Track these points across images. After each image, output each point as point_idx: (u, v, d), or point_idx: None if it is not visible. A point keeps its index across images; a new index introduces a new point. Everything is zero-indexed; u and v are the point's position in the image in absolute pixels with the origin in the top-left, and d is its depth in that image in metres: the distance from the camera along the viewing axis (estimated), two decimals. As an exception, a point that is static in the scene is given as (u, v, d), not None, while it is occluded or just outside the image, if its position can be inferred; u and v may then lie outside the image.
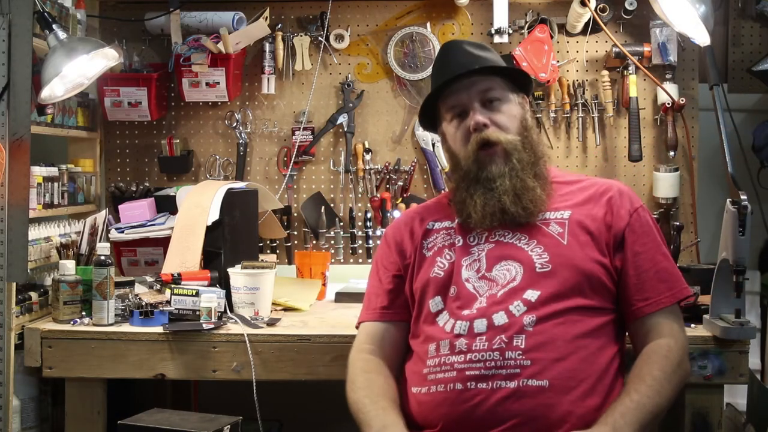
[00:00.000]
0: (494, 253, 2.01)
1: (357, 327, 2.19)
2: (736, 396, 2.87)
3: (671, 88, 3.06)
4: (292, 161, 3.18)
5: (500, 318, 1.92)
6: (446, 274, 2.03)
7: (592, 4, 2.97)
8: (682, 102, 3.04)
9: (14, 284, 2.46)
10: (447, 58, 2.12)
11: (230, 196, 2.73)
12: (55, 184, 2.81)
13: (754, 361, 2.86)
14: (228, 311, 2.58)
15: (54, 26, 2.52)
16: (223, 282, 2.63)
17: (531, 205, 2.01)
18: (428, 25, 3.17)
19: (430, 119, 2.19)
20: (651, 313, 1.99)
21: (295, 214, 3.22)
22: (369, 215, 3.18)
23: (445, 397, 1.92)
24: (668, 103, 3.06)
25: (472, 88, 2.05)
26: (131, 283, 2.64)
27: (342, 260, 3.20)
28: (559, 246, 1.98)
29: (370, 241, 3.18)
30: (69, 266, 2.57)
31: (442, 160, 3.15)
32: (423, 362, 1.99)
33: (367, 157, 3.20)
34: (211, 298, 2.49)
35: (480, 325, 1.93)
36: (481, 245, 2.03)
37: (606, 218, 2.02)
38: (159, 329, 2.46)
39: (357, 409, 2.00)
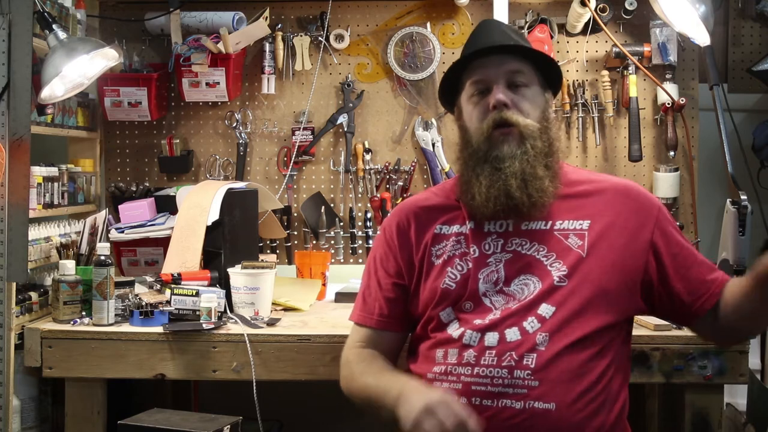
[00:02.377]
0: (513, 266, 1.94)
1: (351, 320, 2.12)
2: (736, 396, 2.87)
3: (671, 88, 3.06)
4: (292, 161, 3.18)
5: (513, 334, 1.87)
6: (459, 285, 1.96)
7: (592, 4, 2.97)
8: (682, 102, 3.04)
9: (14, 284, 2.46)
10: (483, 32, 2.04)
11: (230, 196, 2.73)
12: (55, 184, 2.81)
13: (754, 361, 2.86)
14: (228, 311, 2.58)
15: (54, 26, 2.52)
16: (223, 282, 2.63)
17: (536, 194, 1.92)
18: (428, 25, 3.17)
19: (448, 92, 2.09)
20: (723, 286, 1.96)
21: (295, 214, 3.22)
22: (369, 215, 3.18)
23: None
24: (668, 103, 3.06)
25: (502, 66, 1.96)
26: (131, 283, 2.64)
27: (342, 260, 3.20)
28: (579, 259, 1.91)
29: (370, 241, 3.17)
30: (69, 266, 2.57)
31: (442, 160, 3.15)
32: (429, 366, 1.95)
33: (367, 157, 3.20)
34: (211, 298, 2.49)
35: (491, 338, 1.88)
36: (497, 254, 1.95)
37: (628, 225, 1.95)
38: (159, 329, 2.46)
39: (366, 394, 1.96)
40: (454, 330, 1.93)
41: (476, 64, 1.99)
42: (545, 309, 1.89)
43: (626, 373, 1.97)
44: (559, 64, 3.01)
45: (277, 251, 3.23)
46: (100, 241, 2.79)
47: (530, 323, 1.88)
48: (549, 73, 2.05)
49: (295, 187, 3.23)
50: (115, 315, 2.53)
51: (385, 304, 2.06)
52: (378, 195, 3.18)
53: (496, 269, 1.95)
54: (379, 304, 2.07)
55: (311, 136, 3.19)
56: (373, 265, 2.10)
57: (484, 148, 1.96)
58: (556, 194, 1.96)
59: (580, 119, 3.13)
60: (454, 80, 2.06)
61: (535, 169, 1.93)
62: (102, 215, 2.89)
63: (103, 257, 2.50)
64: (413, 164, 3.19)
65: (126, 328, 2.49)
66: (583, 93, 3.13)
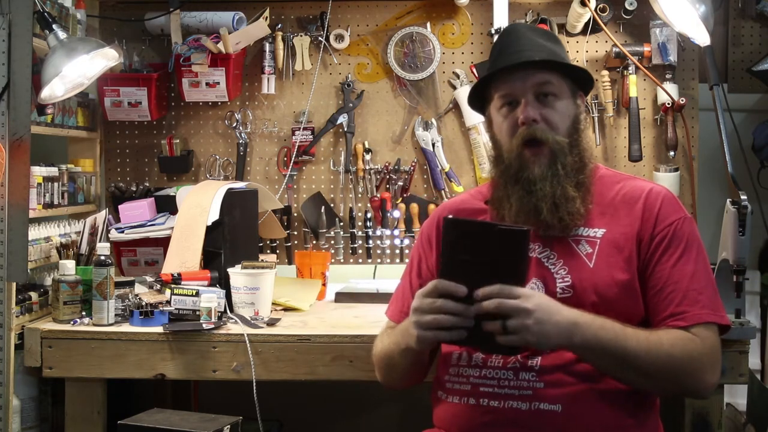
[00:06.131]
0: None
1: (386, 315, 2.16)
2: (736, 396, 2.87)
3: (671, 88, 3.06)
4: (292, 161, 3.18)
5: None
6: None
7: (592, 4, 2.97)
8: (682, 102, 3.04)
9: (14, 284, 2.46)
10: (508, 41, 1.99)
11: (230, 196, 2.73)
12: (55, 184, 2.81)
13: (754, 361, 2.86)
14: (228, 311, 2.58)
15: (54, 26, 2.52)
16: (223, 282, 2.63)
17: (568, 217, 1.91)
18: (428, 25, 3.17)
19: (478, 99, 2.07)
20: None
21: (295, 214, 3.22)
22: (369, 215, 3.18)
23: (460, 409, 1.90)
24: (668, 103, 3.06)
25: (529, 79, 1.93)
26: (131, 283, 2.64)
27: (342, 260, 3.20)
28: (584, 269, 1.89)
29: (370, 241, 3.18)
30: (69, 266, 2.57)
31: (442, 160, 3.15)
32: (446, 368, 1.97)
33: (367, 157, 3.20)
34: (211, 298, 2.49)
35: None
36: None
37: (639, 233, 1.91)
38: (159, 329, 2.46)
39: (387, 353, 2.02)
40: None
41: (503, 76, 1.96)
42: None
43: None
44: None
45: (277, 251, 3.23)
46: (100, 241, 2.79)
47: None
48: (578, 74, 2.02)
49: (295, 187, 3.23)
50: (115, 315, 2.53)
51: None
52: (378, 195, 3.18)
53: None
54: (409, 303, 2.06)
55: (311, 136, 3.19)
56: (409, 266, 2.16)
57: (515, 166, 1.94)
58: (586, 211, 1.93)
59: (580, 119, 3.13)
60: (482, 89, 2.04)
61: (566, 191, 1.91)
62: (102, 215, 2.89)
63: (103, 257, 2.50)
64: (413, 164, 3.19)
65: (126, 328, 2.49)
66: (583, 93, 3.13)
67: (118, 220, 2.96)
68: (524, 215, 1.92)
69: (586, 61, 3.14)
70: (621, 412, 1.86)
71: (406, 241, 3.16)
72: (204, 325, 2.45)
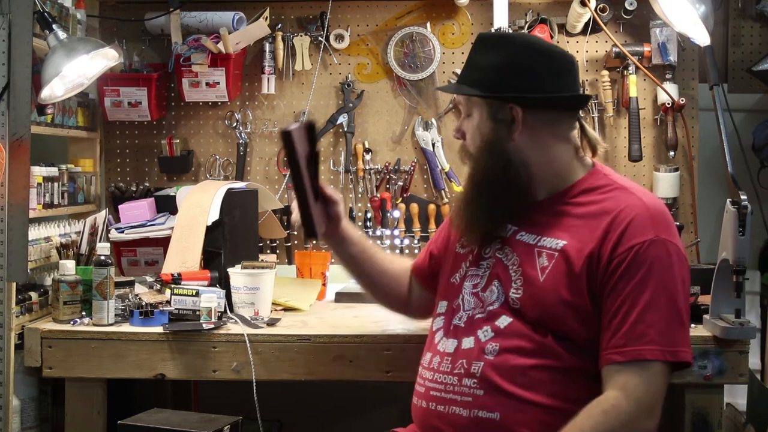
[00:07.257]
0: (493, 272, 1.95)
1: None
2: (736, 396, 2.87)
3: (671, 88, 3.06)
4: (292, 161, 3.17)
5: (468, 342, 1.90)
6: (460, 281, 2.00)
7: (592, 4, 2.97)
8: (682, 102, 3.04)
9: (14, 284, 2.46)
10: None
11: (230, 196, 2.73)
12: (55, 184, 2.81)
13: (754, 361, 2.86)
14: (228, 311, 2.58)
15: (54, 26, 2.52)
16: (223, 282, 2.63)
17: (472, 235, 1.99)
18: (428, 25, 3.17)
19: None
20: (608, 364, 1.79)
21: (295, 214, 3.22)
22: (369, 215, 3.18)
23: (418, 410, 1.95)
24: (668, 103, 3.06)
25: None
26: (131, 283, 2.64)
27: (342, 260, 3.20)
28: (535, 284, 1.86)
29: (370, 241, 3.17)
30: (69, 266, 2.57)
31: (442, 160, 3.15)
32: (419, 367, 2.02)
33: (367, 157, 3.20)
34: (211, 298, 2.49)
35: (450, 345, 1.92)
36: (489, 259, 1.97)
37: (595, 252, 1.83)
38: (159, 329, 2.46)
39: None
40: (435, 328, 2.00)
41: None
42: (502, 320, 1.88)
43: (597, 390, 1.83)
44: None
45: (277, 251, 3.23)
46: (100, 241, 2.79)
47: (484, 332, 1.89)
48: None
49: (295, 187, 3.22)
50: (115, 315, 2.52)
51: (423, 258, 2.23)
52: (378, 195, 3.18)
53: (482, 274, 1.97)
54: (423, 256, 2.25)
55: (311, 136, 3.19)
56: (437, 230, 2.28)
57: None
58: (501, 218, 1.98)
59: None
60: None
61: (472, 195, 1.98)
62: (102, 215, 2.89)
63: (103, 257, 2.50)
64: (413, 164, 3.19)
65: (126, 328, 2.49)
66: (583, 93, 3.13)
67: (118, 220, 2.96)
68: (460, 223, 2.02)
69: (586, 61, 3.14)
70: (562, 424, 1.78)
71: (406, 241, 3.16)
72: (204, 325, 2.45)
